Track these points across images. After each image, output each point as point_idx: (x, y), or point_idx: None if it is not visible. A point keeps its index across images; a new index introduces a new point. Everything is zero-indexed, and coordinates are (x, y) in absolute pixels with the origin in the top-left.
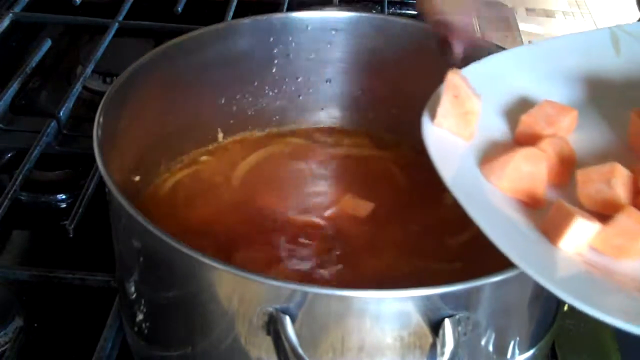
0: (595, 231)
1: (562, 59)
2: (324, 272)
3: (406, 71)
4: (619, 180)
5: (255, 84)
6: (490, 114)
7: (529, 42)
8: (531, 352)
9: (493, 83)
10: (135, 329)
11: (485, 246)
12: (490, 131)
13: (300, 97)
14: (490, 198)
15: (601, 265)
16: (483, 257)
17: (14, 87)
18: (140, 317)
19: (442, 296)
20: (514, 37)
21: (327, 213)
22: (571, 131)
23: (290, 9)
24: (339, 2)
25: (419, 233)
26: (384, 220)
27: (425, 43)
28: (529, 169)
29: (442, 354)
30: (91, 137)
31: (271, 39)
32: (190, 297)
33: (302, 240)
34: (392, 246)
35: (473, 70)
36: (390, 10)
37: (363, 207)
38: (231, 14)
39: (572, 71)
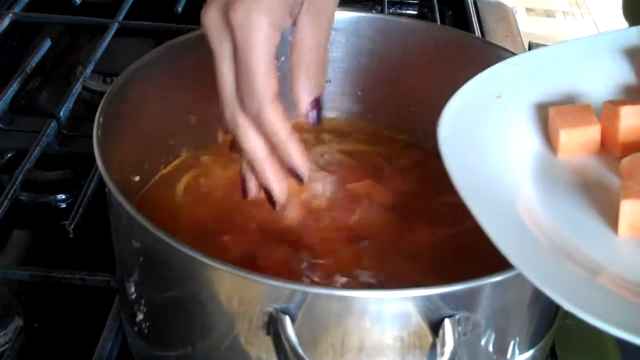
0: None
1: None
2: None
3: (406, 71)
4: None
5: None
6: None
7: (529, 42)
8: (531, 352)
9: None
10: (135, 329)
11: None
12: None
13: None
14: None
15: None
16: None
17: (14, 87)
18: (140, 317)
19: (442, 296)
20: (514, 37)
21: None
22: None
23: None
24: (339, 2)
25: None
26: (388, 216)
27: (425, 43)
28: None
29: (442, 354)
30: (91, 137)
31: None
32: (190, 297)
33: (303, 238)
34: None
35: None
36: (390, 10)
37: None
38: None
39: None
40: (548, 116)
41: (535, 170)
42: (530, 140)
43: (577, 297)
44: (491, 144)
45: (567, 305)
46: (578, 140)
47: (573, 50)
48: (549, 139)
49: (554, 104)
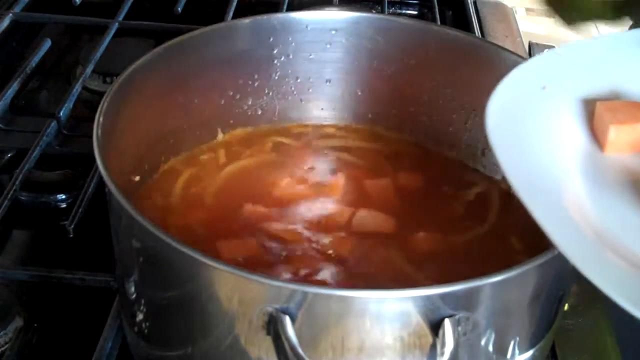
0: None
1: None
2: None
3: (406, 71)
4: None
5: (255, 84)
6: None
7: (529, 42)
8: (531, 352)
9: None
10: (135, 329)
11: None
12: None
13: (300, 97)
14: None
15: None
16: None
17: (14, 87)
18: (140, 317)
19: (442, 296)
20: (514, 37)
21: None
22: None
23: (290, 9)
24: (339, 2)
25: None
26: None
27: (425, 43)
28: None
29: (442, 354)
30: (91, 137)
31: (271, 39)
32: (190, 297)
33: (304, 239)
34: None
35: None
36: (390, 10)
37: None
38: (231, 14)
39: None
40: (594, 111)
41: (581, 164)
42: (575, 134)
43: (624, 290)
44: (537, 135)
45: (615, 298)
46: (627, 138)
47: (621, 43)
48: (595, 134)
49: (599, 98)
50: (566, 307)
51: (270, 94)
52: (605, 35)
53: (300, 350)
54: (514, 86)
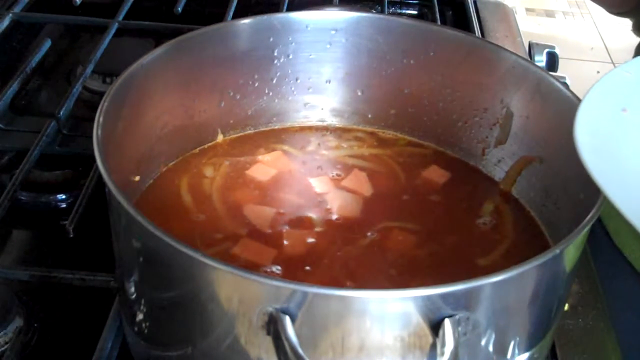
0: None
1: None
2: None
3: (406, 71)
4: None
5: (256, 84)
6: None
7: (529, 42)
8: (531, 352)
9: None
10: (135, 329)
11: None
12: None
13: (300, 97)
14: None
15: None
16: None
17: (14, 87)
18: (140, 317)
19: (442, 296)
20: (514, 37)
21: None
22: None
23: (290, 9)
24: (339, 2)
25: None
26: (387, 217)
27: (425, 43)
28: None
29: (442, 354)
30: (91, 137)
31: (271, 39)
32: (190, 297)
33: (303, 237)
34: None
35: None
36: (390, 10)
37: (366, 187)
38: (231, 14)
39: None
40: None
41: None
42: None
43: None
44: (629, 152)
45: None
46: None
47: None
48: None
49: None
50: (566, 307)
51: (271, 94)
52: None
53: (300, 350)
54: (595, 109)
